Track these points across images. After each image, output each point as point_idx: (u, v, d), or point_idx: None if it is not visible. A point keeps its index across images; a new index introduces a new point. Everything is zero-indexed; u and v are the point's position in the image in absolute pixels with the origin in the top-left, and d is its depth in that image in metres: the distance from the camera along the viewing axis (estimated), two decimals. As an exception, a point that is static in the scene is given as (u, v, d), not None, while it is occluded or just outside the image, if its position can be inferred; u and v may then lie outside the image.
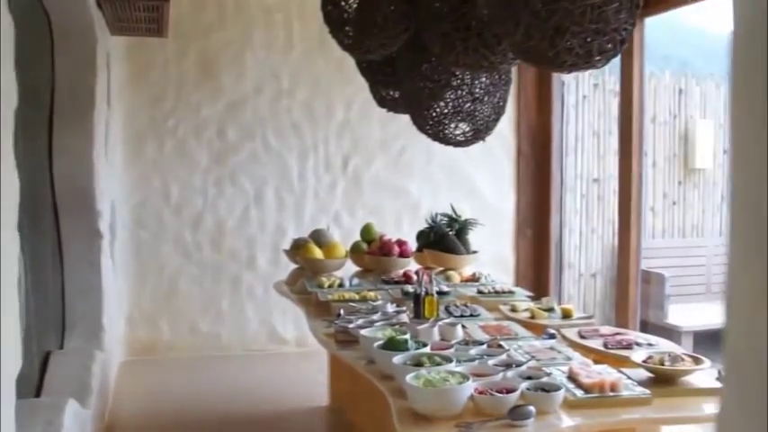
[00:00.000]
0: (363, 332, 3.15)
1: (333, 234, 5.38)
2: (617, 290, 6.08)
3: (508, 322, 3.63)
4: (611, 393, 2.47)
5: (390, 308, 3.80)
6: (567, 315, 3.77)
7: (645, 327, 6.63)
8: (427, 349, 2.87)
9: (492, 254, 6.44)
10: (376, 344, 2.90)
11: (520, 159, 7.04)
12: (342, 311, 3.75)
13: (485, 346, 3.08)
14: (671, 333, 7.10)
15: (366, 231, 5.09)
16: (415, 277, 4.39)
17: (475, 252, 4.95)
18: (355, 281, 4.40)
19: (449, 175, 6.86)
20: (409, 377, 2.43)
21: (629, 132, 5.79)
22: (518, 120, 6.91)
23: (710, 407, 2.49)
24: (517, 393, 2.38)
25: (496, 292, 4.25)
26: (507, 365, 2.76)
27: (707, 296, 8.08)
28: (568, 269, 7.48)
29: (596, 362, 2.87)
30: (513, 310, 3.90)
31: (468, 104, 3.62)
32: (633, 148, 5.79)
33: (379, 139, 6.65)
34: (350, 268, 4.90)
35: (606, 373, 2.62)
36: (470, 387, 2.39)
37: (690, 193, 7.98)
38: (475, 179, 6.95)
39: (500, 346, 3.16)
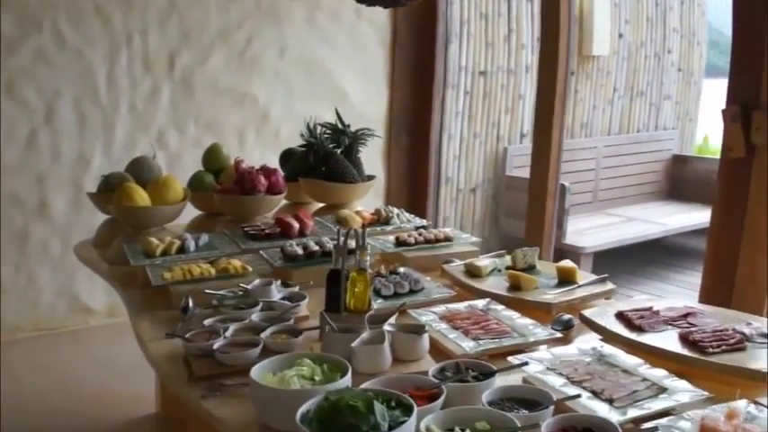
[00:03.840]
0: (255, 373, 1.53)
1: (160, 163, 3.62)
2: (529, 208, 4.71)
3: (482, 302, 2.11)
4: None
5: (277, 292, 2.18)
6: (565, 278, 2.30)
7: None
8: (412, 423, 1.30)
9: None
10: (300, 413, 1.31)
11: (396, 50, 5.43)
12: (190, 303, 2.10)
13: (495, 378, 1.56)
14: (569, 256, 5.83)
15: (212, 156, 3.36)
16: (296, 225, 2.77)
17: (372, 178, 3.38)
18: (204, 238, 2.71)
19: (307, 75, 5.15)
20: None
21: (556, 8, 4.32)
22: (396, -2, 5.27)
23: None
24: None
25: (427, 242, 2.71)
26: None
27: (593, 205, 6.89)
28: (445, 184, 6.01)
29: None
30: (472, 273, 2.38)
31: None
32: (561, 28, 4.34)
33: (217, 27, 4.76)
34: (187, 215, 3.19)
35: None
36: None
37: (582, 84, 6.68)
38: (339, 78, 5.28)
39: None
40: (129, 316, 2.25)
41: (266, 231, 2.76)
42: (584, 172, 6.74)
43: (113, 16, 4.47)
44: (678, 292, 5.85)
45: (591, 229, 6.28)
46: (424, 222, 3.02)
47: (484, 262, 2.41)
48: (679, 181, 7.35)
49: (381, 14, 5.35)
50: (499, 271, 2.42)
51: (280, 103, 5.04)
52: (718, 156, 7.94)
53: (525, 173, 5.96)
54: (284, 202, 3.24)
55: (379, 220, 2.97)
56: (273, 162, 3.38)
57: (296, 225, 2.76)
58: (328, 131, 3.28)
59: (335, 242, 2.49)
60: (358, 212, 2.99)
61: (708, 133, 8.64)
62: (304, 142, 3.28)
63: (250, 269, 2.38)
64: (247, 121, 4.99)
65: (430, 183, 5.57)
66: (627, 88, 7.05)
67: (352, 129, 3.33)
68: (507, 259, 2.52)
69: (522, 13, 6.25)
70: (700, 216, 6.46)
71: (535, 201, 4.57)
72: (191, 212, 3.21)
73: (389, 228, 2.90)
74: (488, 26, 6.07)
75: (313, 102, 4.91)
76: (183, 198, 2.96)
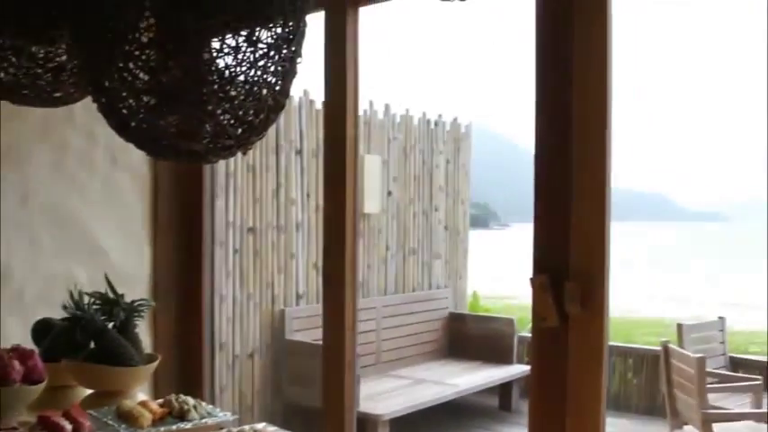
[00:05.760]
0: None
1: None
2: (325, 379, 4.37)
3: None
4: None
5: None
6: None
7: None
8: None
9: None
10: None
11: (158, 203, 5.04)
12: None
13: None
14: (366, 424, 5.61)
15: (-57, 335, 2.76)
16: (68, 427, 2.25)
17: (154, 358, 2.93)
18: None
19: (56, 227, 4.59)
20: None
21: (342, 160, 4.19)
22: (155, 146, 4.92)
23: None
24: None
25: (237, 441, 2.30)
26: None
27: (377, 368, 6.78)
28: (220, 351, 5.60)
29: None
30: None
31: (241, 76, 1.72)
32: (348, 181, 4.20)
33: (-60, 168, 4.16)
34: None
35: None
36: None
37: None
38: (95, 232, 4.75)
39: None
40: None
41: (25, 435, 2.22)
42: (366, 333, 6.64)
43: None
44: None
45: (382, 394, 6.21)
46: (229, 415, 2.61)
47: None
48: (457, 339, 7.55)
49: (140, 162, 4.97)
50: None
51: (23, 260, 4.40)
52: (488, 313, 8.38)
53: (306, 336, 5.76)
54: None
55: (172, 413, 2.52)
56: (16, 329, 2.86)
57: (68, 427, 2.24)
58: (98, 302, 2.82)
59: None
60: (144, 404, 2.51)
61: (476, 289, 8.95)
62: (66, 315, 2.79)
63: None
64: (-20, 287, 4.30)
65: (204, 350, 5.11)
66: (399, 247, 7.13)
67: (119, 292, 2.90)
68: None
69: (291, 166, 6.17)
70: (488, 374, 6.79)
71: (332, 372, 4.25)
72: None
73: (188, 426, 2.45)
74: (256, 180, 5.91)
75: (65, 258, 4.35)
76: None
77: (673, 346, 5.80)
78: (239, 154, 1.97)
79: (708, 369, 5.56)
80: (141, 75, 1.73)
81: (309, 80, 5.81)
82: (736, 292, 20.76)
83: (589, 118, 3.06)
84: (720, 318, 6.88)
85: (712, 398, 5.57)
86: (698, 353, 5.64)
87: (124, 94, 1.82)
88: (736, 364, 6.78)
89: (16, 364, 2.43)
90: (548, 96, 3.16)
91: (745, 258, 34.61)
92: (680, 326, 6.45)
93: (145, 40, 1.74)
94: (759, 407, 5.72)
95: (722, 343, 6.73)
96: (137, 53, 1.73)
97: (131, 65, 1.72)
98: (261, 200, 5.89)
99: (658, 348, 5.93)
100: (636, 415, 7.26)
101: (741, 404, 5.91)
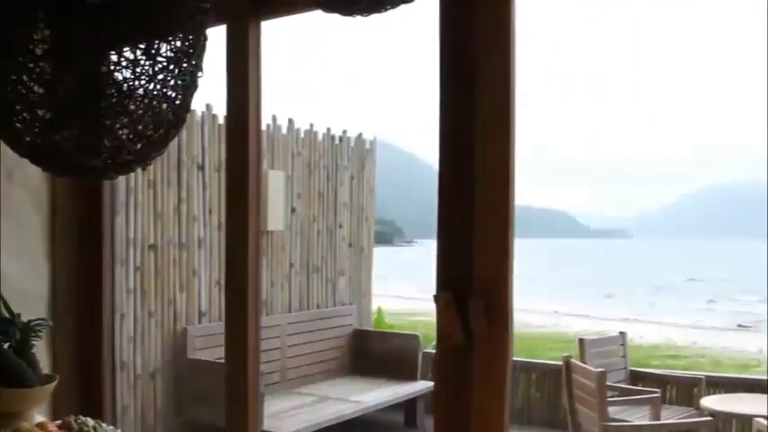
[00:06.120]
0: None
1: None
2: (228, 397, 4.32)
3: None
4: None
5: None
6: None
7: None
8: None
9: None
10: None
11: (56, 218, 4.92)
12: None
13: None
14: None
15: None
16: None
17: (52, 379, 2.87)
18: None
19: (-56, 245, 4.46)
20: None
21: (244, 176, 4.18)
22: (51, 161, 4.82)
23: None
24: None
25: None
26: None
27: (282, 385, 6.77)
28: (121, 370, 5.51)
29: None
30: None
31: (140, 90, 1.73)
32: (251, 197, 4.19)
33: None
34: None
35: None
36: None
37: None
38: (-13, 248, 4.65)
39: None
40: None
41: None
42: (270, 351, 6.62)
43: None
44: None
45: (287, 412, 6.23)
46: (124, 434, 2.58)
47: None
48: (361, 356, 7.59)
49: (36, 177, 4.85)
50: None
51: None
52: (393, 330, 8.45)
53: (209, 355, 5.71)
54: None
55: (69, 432, 2.47)
56: None
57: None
58: (-9, 322, 2.74)
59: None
60: (42, 426, 2.45)
61: (381, 305, 9.03)
62: (-42, 335, 2.71)
63: None
64: None
65: (104, 369, 5.01)
66: (303, 264, 7.13)
67: (16, 312, 2.83)
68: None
69: (193, 182, 6.12)
70: (393, 391, 6.94)
71: (235, 390, 4.20)
72: None
73: (82, 445, 2.41)
74: (157, 196, 5.84)
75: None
76: None
77: (574, 360, 5.97)
78: (139, 170, 1.97)
79: (608, 383, 5.75)
80: (36, 88, 1.71)
81: (212, 94, 5.80)
82: (637, 307, 21.45)
83: (492, 133, 3.12)
84: (621, 333, 7.13)
85: (613, 411, 5.76)
86: (599, 367, 5.82)
87: (18, 107, 1.79)
88: (636, 377, 7.00)
89: None
90: (450, 111, 3.21)
91: (646, 275, 35.81)
92: (582, 341, 6.66)
93: (39, 52, 1.72)
94: (657, 419, 5.93)
95: (623, 357, 6.96)
96: (30, 65, 1.71)
97: (25, 77, 1.71)
98: (162, 216, 5.83)
99: (561, 363, 6.09)
100: (538, 429, 7.43)
101: (641, 416, 6.12)
